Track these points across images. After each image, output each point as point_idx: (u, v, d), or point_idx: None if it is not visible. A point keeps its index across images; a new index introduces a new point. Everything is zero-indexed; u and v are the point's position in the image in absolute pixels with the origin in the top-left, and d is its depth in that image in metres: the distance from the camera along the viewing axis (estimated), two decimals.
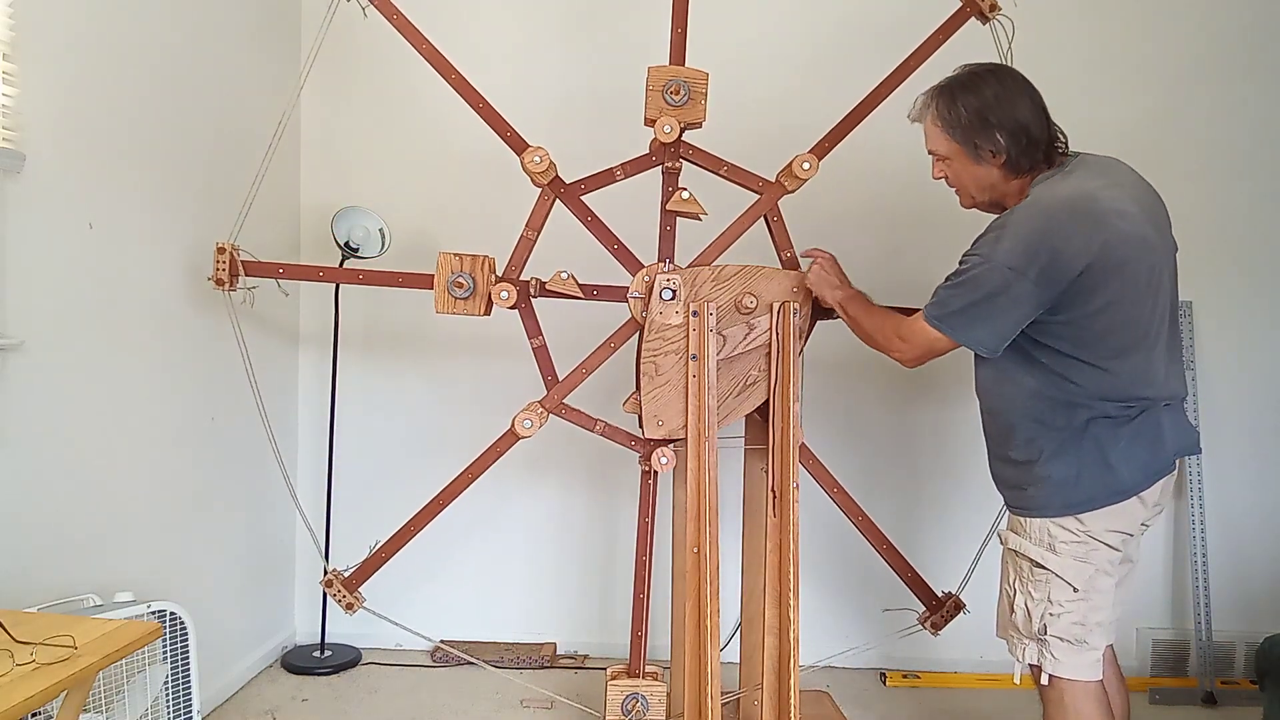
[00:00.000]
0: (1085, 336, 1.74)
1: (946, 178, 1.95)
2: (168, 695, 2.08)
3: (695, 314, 2.22)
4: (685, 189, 2.27)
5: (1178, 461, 1.85)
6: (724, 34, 3.05)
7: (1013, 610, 1.85)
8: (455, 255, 2.25)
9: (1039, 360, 1.79)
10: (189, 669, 2.12)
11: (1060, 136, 1.86)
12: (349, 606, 2.37)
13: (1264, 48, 3.06)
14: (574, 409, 2.34)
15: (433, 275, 2.26)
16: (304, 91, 2.85)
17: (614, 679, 2.31)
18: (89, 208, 2.15)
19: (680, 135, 2.25)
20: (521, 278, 2.31)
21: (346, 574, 2.38)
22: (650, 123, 2.23)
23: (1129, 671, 3.06)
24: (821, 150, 2.31)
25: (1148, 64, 3.08)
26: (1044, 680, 1.81)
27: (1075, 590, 1.77)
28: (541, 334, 2.33)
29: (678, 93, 2.20)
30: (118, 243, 2.25)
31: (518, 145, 2.26)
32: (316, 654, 3.07)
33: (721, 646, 2.20)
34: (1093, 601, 1.79)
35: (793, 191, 2.33)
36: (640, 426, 2.28)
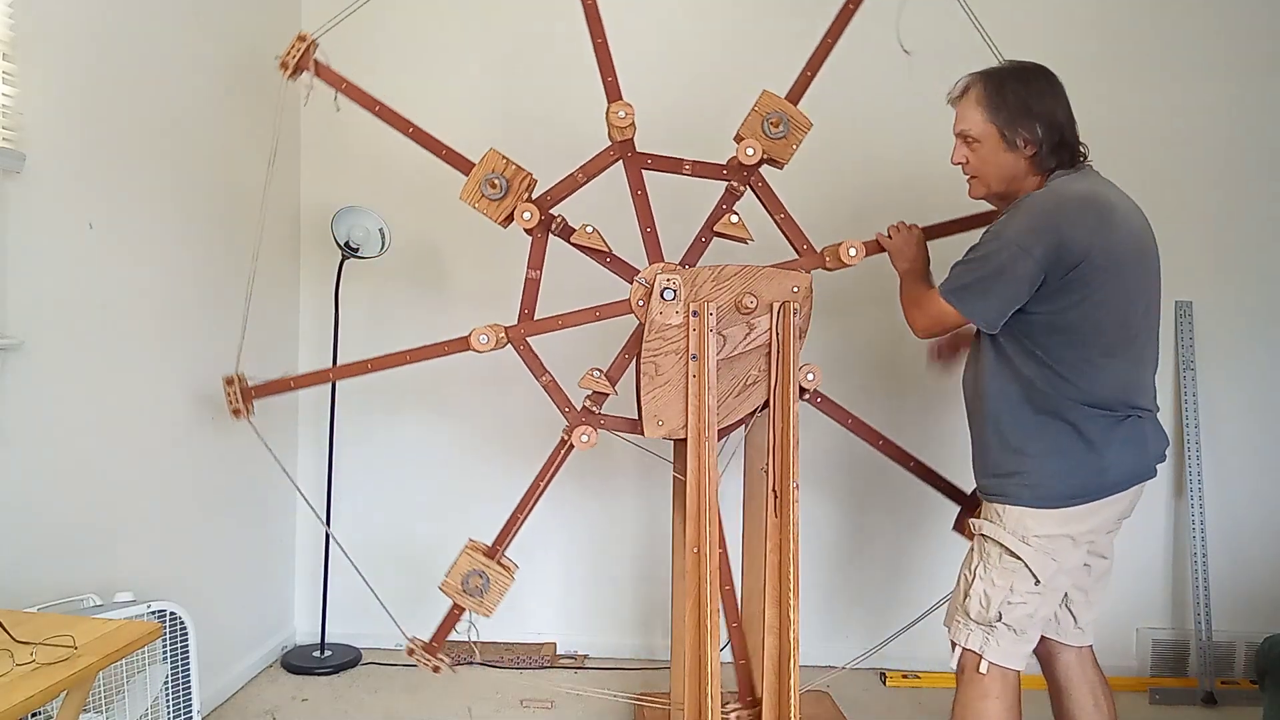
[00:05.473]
0: (1077, 330, 1.80)
1: (966, 162, 1.97)
2: (168, 695, 2.08)
3: (695, 314, 2.22)
4: (736, 213, 2.28)
5: (1157, 468, 1.91)
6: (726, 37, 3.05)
7: (968, 595, 1.88)
8: (505, 157, 2.23)
9: (1034, 354, 1.84)
10: (189, 669, 2.12)
11: (1083, 148, 1.92)
12: (436, 669, 2.34)
13: (1265, 48, 3.06)
14: (531, 350, 2.29)
15: (474, 164, 2.24)
16: (304, 91, 2.85)
17: (472, 549, 2.27)
18: (89, 208, 2.15)
19: (760, 163, 2.25)
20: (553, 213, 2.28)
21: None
22: (738, 139, 2.24)
23: (1129, 671, 3.08)
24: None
25: (1148, 64, 3.08)
26: (983, 668, 1.85)
27: (1038, 583, 1.82)
28: (541, 268, 2.29)
29: (777, 125, 2.21)
30: (118, 243, 2.25)
31: (613, 92, 2.22)
32: (316, 654, 3.07)
33: (721, 646, 2.20)
34: (1047, 597, 1.85)
35: (830, 270, 2.31)
36: (642, 424, 2.27)
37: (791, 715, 2.10)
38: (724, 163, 2.30)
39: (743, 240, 2.28)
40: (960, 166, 1.99)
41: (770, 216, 2.31)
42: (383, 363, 2.33)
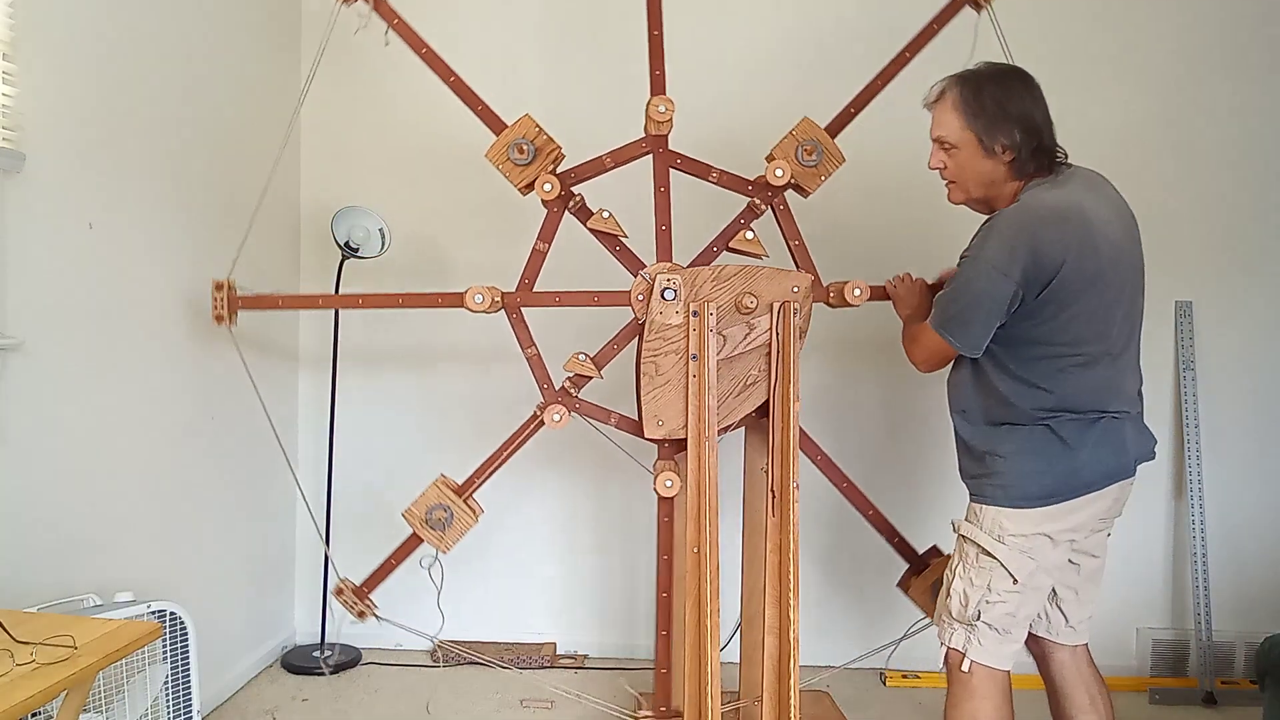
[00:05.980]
0: (1052, 343, 1.79)
1: (944, 168, 1.95)
2: (168, 695, 2.08)
3: (695, 314, 2.22)
4: (752, 230, 2.29)
5: (1138, 468, 1.89)
6: (728, 35, 3.05)
7: (950, 594, 1.89)
8: (538, 125, 2.24)
9: (1008, 367, 1.84)
10: (189, 669, 2.12)
11: (1060, 150, 1.90)
12: (360, 615, 2.36)
13: (1265, 47, 3.06)
14: (523, 320, 2.30)
15: (507, 126, 2.26)
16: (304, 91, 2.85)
17: (443, 483, 2.30)
18: (89, 208, 2.15)
19: (786, 186, 2.26)
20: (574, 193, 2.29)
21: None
22: (770, 159, 2.25)
23: (1129, 671, 3.08)
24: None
25: (1148, 64, 3.08)
26: (965, 666, 1.85)
27: (1015, 582, 1.82)
28: (550, 243, 2.30)
29: (811, 153, 2.23)
30: (118, 243, 2.25)
31: (658, 86, 2.24)
32: (316, 654, 3.07)
33: (721, 646, 2.20)
34: (1027, 596, 1.84)
35: (833, 306, 2.33)
36: (642, 424, 2.28)
37: (792, 715, 2.10)
38: (751, 179, 2.31)
39: (756, 256, 2.29)
40: (938, 172, 1.97)
41: (785, 241, 2.32)
42: (374, 301, 2.38)
